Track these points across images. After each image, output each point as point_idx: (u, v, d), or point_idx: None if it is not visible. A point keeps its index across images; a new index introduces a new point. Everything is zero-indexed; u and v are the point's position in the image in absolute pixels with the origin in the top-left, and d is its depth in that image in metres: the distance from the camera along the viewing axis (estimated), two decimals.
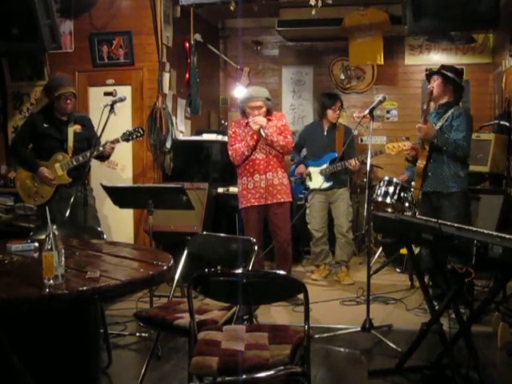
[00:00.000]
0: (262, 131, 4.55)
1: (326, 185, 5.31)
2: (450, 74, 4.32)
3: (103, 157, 4.66)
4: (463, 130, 4.21)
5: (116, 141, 4.50)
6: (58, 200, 4.53)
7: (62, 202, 4.46)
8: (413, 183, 5.13)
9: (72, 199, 4.14)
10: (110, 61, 5.76)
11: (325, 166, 5.39)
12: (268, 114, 4.74)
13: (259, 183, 4.71)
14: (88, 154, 4.41)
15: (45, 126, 4.58)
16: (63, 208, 4.28)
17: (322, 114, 5.49)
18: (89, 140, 4.65)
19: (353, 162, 5.18)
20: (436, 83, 4.37)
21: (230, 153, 4.81)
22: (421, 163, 4.37)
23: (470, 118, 4.33)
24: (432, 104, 4.57)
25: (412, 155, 4.53)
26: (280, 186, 4.74)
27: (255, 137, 4.65)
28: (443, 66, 4.48)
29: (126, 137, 4.51)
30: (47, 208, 2.58)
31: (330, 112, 5.41)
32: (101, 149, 4.45)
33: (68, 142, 4.57)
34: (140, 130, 4.52)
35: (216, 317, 2.73)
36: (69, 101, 4.55)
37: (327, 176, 5.32)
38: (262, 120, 4.59)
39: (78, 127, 4.63)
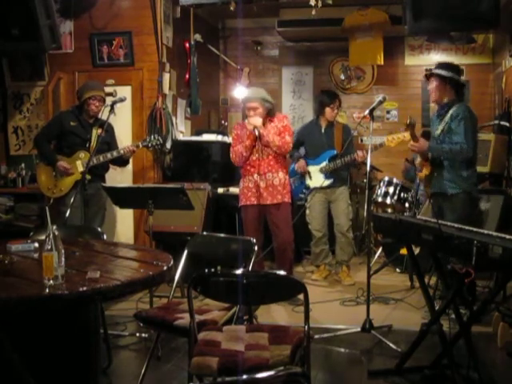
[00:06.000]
0: (256, 131, 4.61)
1: (327, 182, 5.29)
2: (446, 73, 4.17)
3: (123, 161, 4.93)
4: (462, 131, 4.04)
5: (136, 146, 4.78)
6: (75, 195, 4.55)
7: (79, 197, 4.49)
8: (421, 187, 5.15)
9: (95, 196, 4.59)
10: (110, 61, 5.76)
11: (324, 163, 5.38)
12: (269, 115, 4.76)
13: (259, 183, 4.73)
14: (109, 155, 4.68)
15: (72, 123, 4.79)
16: (79, 203, 4.39)
17: (319, 112, 5.48)
18: (109, 144, 4.85)
19: (360, 153, 5.12)
20: (434, 85, 4.22)
21: (231, 155, 4.87)
22: (425, 172, 4.26)
23: (469, 116, 4.12)
24: (432, 105, 4.51)
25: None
26: (280, 187, 4.75)
27: (252, 137, 4.69)
28: (439, 64, 4.31)
29: (146, 143, 4.79)
30: (47, 208, 2.58)
31: (328, 110, 5.40)
32: (121, 151, 4.71)
33: (91, 142, 4.73)
34: (160, 139, 4.82)
35: (216, 317, 2.73)
36: (97, 103, 4.76)
37: (327, 174, 5.31)
38: (256, 120, 4.64)
39: (100, 131, 4.71)
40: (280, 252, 4.83)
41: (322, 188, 5.29)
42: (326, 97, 5.46)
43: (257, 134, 4.62)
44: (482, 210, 4.97)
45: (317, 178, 5.38)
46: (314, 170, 5.44)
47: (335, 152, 5.34)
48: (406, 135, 4.83)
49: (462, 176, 4.14)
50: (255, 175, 4.75)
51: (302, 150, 5.71)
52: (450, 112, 4.16)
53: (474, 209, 4.35)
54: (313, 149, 5.49)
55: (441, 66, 4.29)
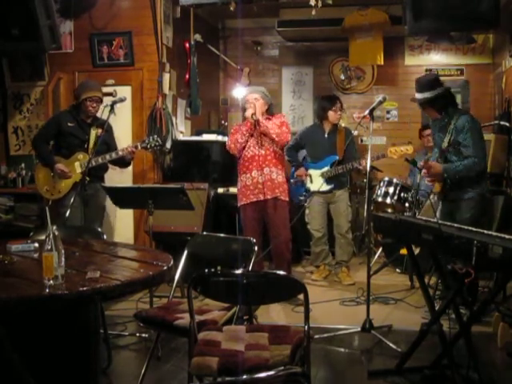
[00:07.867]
0: (254, 117, 4.68)
1: (327, 187, 5.31)
2: (420, 96, 4.17)
3: (124, 163, 4.90)
4: (470, 143, 4.01)
5: (135, 147, 4.71)
6: (74, 196, 4.55)
7: (79, 198, 4.51)
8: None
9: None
10: (110, 61, 5.76)
11: (326, 168, 5.37)
12: (268, 113, 4.80)
13: (257, 179, 4.75)
14: (108, 156, 4.63)
15: (69, 124, 4.75)
16: (79, 203, 4.43)
17: (322, 117, 5.47)
18: (108, 145, 4.82)
19: (364, 163, 5.11)
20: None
21: (227, 143, 4.93)
22: (438, 187, 4.23)
23: (474, 126, 4.09)
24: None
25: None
26: (278, 181, 4.77)
27: (249, 124, 4.77)
28: (416, 86, 4.25)
29: (145, 145, 4.70)
30: (47, 208, 2.58)
31: (331, 113, 5.39)
32: (120, 153, 4.66)
33: (90, 143, 4.70)
34: (159, 140, 4.72)
35: (216, 317, 2.73)
36: (95, 104, 4.72)
37: (328, 179, 5.32)
38: (255, 106, 4.69)
39: (100, 131, 4.70)
40: (278, 253, 4.83)
41: (322, 192, 5.30)
42: (327, 101, 5.47)
43: (254, 118, 4.67)
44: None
45: (317, 182, 5.37)
46: (315, 174, 5.44)
47: (337, 157, 5.33)
48: (409, 148, 4.85)
49: (473, 180, 4.09)
50: (253, 172, 4.76)
51: (302, 154, 5.71)
52: (453, 123, 4.11)
53: (486, 210, 4.33)
54: (315, 152, 5.47)
55: (417, 87, 4.26)
